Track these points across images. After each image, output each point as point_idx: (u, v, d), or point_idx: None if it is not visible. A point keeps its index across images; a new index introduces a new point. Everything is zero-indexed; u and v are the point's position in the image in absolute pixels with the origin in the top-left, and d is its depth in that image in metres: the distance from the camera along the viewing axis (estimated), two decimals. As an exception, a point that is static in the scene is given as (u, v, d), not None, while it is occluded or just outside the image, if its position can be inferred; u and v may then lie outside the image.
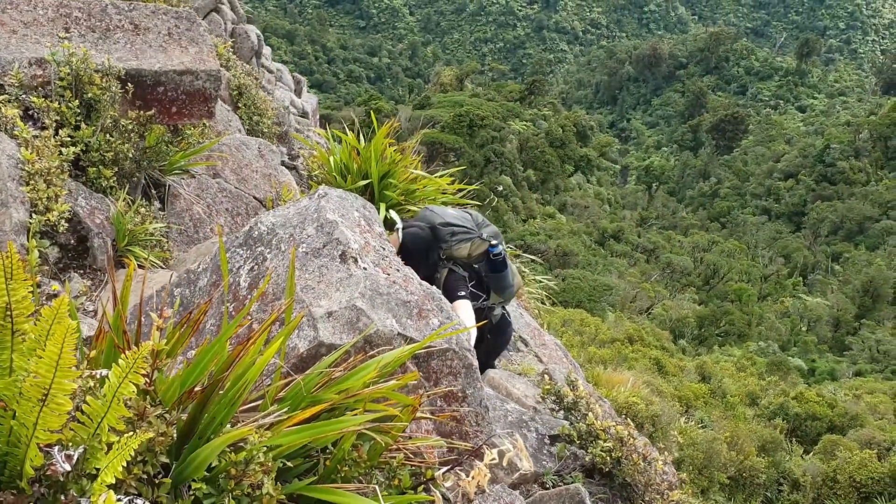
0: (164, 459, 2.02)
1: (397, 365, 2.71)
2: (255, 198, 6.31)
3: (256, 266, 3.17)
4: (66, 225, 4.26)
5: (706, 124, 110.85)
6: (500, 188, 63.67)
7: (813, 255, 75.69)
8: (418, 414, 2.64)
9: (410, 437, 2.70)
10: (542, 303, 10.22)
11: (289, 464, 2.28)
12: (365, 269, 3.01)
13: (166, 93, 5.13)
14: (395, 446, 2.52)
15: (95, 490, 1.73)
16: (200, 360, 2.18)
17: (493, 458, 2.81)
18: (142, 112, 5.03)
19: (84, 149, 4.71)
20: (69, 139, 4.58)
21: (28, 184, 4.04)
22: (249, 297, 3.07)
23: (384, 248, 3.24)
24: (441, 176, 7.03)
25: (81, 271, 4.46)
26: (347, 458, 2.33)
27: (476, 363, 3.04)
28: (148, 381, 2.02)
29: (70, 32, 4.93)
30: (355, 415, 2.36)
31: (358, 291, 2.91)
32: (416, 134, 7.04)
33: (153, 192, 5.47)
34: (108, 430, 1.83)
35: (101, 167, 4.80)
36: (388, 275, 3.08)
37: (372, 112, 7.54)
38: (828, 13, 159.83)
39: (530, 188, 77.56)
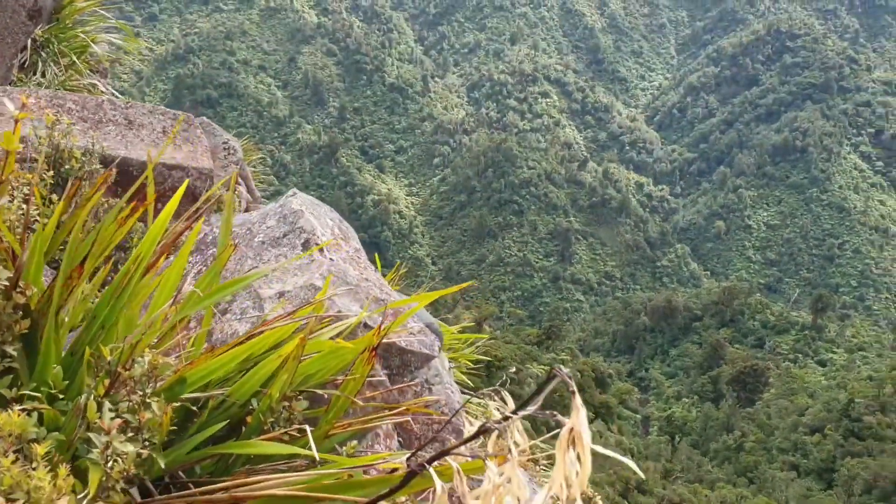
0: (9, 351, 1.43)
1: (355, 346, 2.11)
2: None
3: (205, 268, 2.68)
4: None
5: (726, 376, 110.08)
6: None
7: (849, 515, 71.35)
8: (374, 389, 2.00)
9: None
10: None
11: (194, 409, 1.65)
12: (331, 259, 2.51)
13: (153, 186, 4.86)
14: (346, 425, 1.86)
15: None
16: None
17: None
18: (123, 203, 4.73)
19: (56, 226, 4.36)
20: (37, 212, 4.24)
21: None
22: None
23: (360, 258, 2.75)
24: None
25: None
26: (276, 408, 1.68)
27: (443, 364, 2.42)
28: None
29: (59, 118, 4.79)
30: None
31: (319, 273, 2.38)
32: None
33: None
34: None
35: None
36: (360, 272, 2.56)
37: (377, 256, 7.18)
38: (838, 271, 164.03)
39: (549, 433, 75.34)
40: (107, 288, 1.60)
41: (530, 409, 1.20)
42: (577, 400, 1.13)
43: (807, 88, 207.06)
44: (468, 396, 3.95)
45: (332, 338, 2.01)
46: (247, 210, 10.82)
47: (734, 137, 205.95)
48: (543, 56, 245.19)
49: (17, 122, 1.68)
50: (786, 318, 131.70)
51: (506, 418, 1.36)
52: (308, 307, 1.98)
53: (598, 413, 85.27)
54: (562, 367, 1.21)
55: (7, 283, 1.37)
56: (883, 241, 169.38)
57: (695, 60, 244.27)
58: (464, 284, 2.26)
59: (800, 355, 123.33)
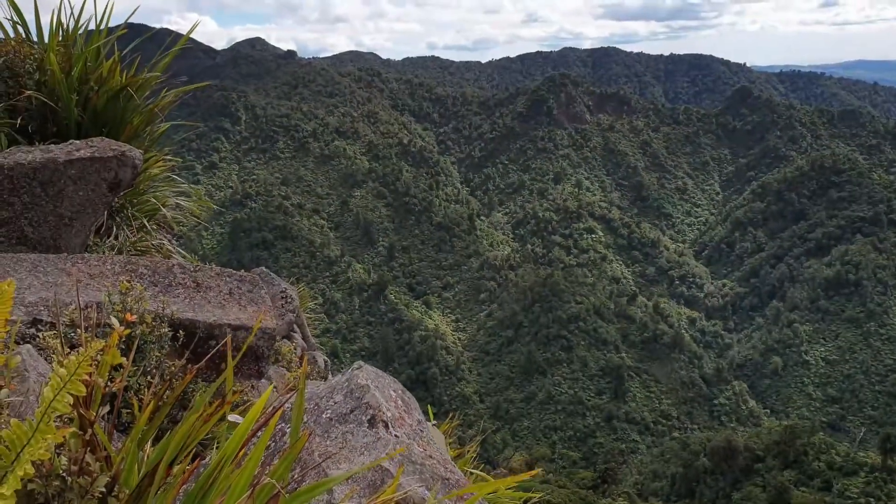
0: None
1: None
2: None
3: (274, 443, 2.75)
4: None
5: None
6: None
7: None
8: None
9: None
10: None
11: None
12: (397, 436, 2.56)
13: (217, 347, 5.03)
14: None
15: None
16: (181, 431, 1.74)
17: None
18: (189, 364, 4.89)
19: (124, 387, 4.51)
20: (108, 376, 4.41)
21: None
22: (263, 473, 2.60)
23: (423, 431, 2.79)
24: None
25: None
26: None
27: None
28: (86, 419, 1.59)
29: (132, 284, 5.03)
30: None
31: (385, 453, 2.44)
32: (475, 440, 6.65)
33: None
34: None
35: (137, 411, 4.54)
36: (425, 450, 2.60)
37: (429, 407, 7.18)
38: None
39: None
40: (193, 487, 1.68)
41: None
42: None
43: (856, 222, 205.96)
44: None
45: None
46: (301, 357, 10.97)
47: (785, 272, 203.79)
48: (587, 194, 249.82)
49: (120, 337, 1.82)
50: (853, 458, 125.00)
51: None
52: (378, 496, 2.03)
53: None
54: None
55: (104, 490, 1.46)
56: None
57: (740, 196, 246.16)
58: (532, 472, 2.27)
59: (872, 499, 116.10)
